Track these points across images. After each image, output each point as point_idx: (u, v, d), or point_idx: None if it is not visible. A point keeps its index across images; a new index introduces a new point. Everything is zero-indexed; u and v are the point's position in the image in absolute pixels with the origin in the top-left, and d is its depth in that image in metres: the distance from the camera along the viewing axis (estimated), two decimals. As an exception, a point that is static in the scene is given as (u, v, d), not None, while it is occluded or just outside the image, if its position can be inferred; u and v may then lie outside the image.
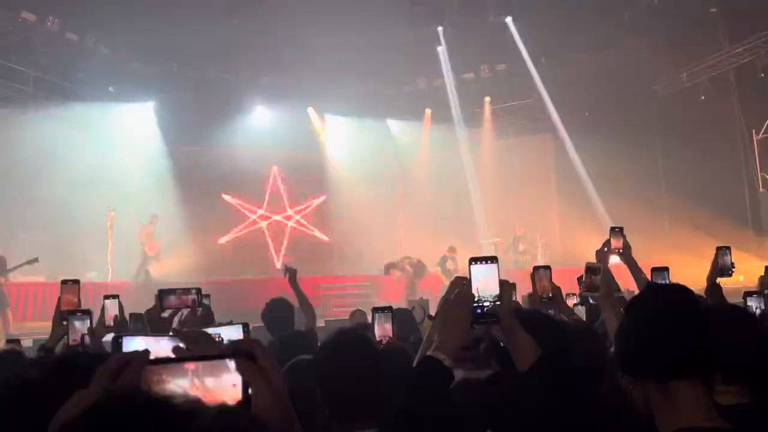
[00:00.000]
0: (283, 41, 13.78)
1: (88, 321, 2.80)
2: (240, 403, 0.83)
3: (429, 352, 1.56)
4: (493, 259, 1.63)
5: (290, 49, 13.96)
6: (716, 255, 3.35)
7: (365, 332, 2.46)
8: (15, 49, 12.17)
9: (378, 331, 2.69)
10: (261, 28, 12.93)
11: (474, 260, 1.63)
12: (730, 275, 3.30)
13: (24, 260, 10.29)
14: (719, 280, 3.28)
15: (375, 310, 2.79)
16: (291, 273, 4.43)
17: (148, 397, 0.67)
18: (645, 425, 1.36)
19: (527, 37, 14.32)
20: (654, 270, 3.25)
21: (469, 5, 12.90)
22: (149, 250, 13.16)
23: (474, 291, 1.59)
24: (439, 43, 15.44)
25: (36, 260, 10.50)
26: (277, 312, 4.24)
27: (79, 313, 2.81)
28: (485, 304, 1.58)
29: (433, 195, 16.59)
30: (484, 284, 1.59)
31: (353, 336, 2.11)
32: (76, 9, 12.52)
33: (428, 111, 16.94)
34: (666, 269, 3.27)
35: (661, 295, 1.48)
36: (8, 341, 3.95)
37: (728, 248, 3.36)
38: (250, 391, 0.84)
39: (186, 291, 3.07)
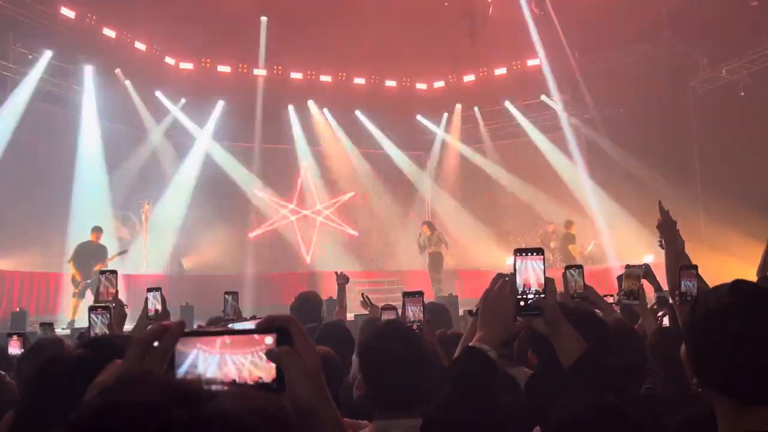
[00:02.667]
0: (310, 38, 13.82)
1: (108, 315, 2.80)
2: (274, 381, 0.81)
3: (472, 343, 1.53)
4: (539, 251, 1.60)
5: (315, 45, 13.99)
6: (766, 250, 3.25)
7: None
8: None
9: (409, 315, 2.72)
10: (293, 23, 12.98)
11: (519, 252, 1.60)
12: None
13: (116, 252, 11.04)
14: None
15: (405, 294, 2.82)
16: (344, 280, 4.95)
17: (163, 380, 0.65)
18: (697, 425, 1.28)
19: (564, 32, 14.09)
20: (683, 268, 3.03)
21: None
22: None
23: (518, 283, 1.56)
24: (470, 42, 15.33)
25: (125, 252, 11.52)
26: (307, 304, 4.29)
27: (99, 309, 2.81)
28: (529, 296, 1.55)
29: (463, 191, 16.52)
30: (529, 276, 1.56)
31: (399, 327, 2.13)
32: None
33: (458, 106, 16.84)
34: (695, 267, 2.99)
35: (757, 303, 1.19)
36: (41, 324, 4.05)
37: None
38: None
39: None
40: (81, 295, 10.05)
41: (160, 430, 0.53)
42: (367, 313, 4.74)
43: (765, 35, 12.50)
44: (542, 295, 1.55)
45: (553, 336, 1.56)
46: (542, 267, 1.57)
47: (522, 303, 1.54)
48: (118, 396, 0.56)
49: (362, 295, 4.78)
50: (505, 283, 1.57)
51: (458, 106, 16.81)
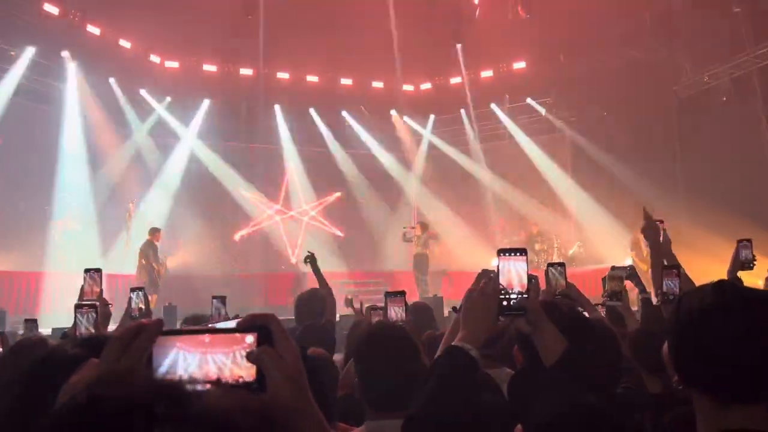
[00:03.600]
0: (297, 39, 13.79)
1: (94, 314, 2.74)
2: (255, 381, 0.79)
3: (454, 342, 1.54)
4: (522, 252, 1.62)
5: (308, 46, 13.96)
6: (737, 248, 3.31)
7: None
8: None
9: (391, 315, 2.73)
10: (280, 23, 12.94)
11: (502, 252, 1.61)
12: (752, 268, 3.26)
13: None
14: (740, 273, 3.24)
15: (387, 294, 2.82)
16: (312, 260, 4.58)
17: (146, 378, 0.65)
18: (678, 425, 1.30)
19: (549, 35, 14.19)
20: (665, 268, 3.08)
21: (487, 2, 12.83)
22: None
23: (501, 283, 1.57)
24: (457, 41, 15.38)
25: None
26: (310, 304, 4.22)
27: (85, 308, 2.74)
28: (512, 296, 1.56)
29: (448, 193, 16.57)
30: (512, 277, 1.58)
31: (391, 327, 2.13)
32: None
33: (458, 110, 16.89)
34: (677, 266, 3.06)
35: (739, 304, 1.20)
36: (26, 321, 3.96)
37: (749, 241, 3.32)
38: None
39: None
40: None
41: (145, 427, 0.53)
42: (352, 313, 4.67)
43: (746, 42, 12.69)
44: (525, 296, 1.56)
45: (535, 335, 1.58)
46: (525, 267, 1.59)
47: (505, 303, 1.56)
48: (103, 391, 0.56)
49: (350, 299, 4.73)
50: (488, 282, 1.59)
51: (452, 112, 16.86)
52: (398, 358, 1.94)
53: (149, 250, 11.31)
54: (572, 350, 1.51)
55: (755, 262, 3.27)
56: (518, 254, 1.60)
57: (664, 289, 2.93)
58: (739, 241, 3.32)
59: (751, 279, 3.32)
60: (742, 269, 3.26)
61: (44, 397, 1.15)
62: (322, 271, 4.76)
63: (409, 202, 17.05)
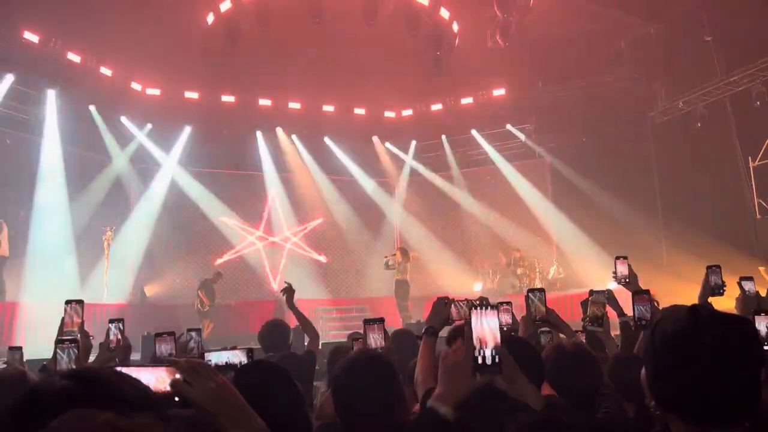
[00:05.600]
0: (282, 66, 13.88)
1: (75, 349, 2.69)
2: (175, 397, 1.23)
3: (430, 402, 1.55)
4: (492, 307, 1.63)
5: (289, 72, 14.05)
6: (707, 274, 3.35)
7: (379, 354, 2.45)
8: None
9: (370, 342, 2.71)
10: (262, 51, 13.01)
11: (475, 306, 1.62)
12: (722, 294, 3.30)
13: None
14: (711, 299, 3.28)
15: (366, 321, 2.80)
16: (288, 293, 4.38)
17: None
18: None
19: (528, 63, 14.45)
20: (635, 293, 3.09)
21: (467, 31, 13.05)
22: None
23: (475, 339, 1.58)
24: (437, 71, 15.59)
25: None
26: (274, 334, 4.22)
27: (66, 343, 2.71)
28: (486, 353, 1.56)
29: (430, 218, 16.63)
30: (485, 332, 1.58)
31: (374, 358, 2.11)
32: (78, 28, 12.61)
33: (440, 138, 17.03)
34: (646, 292, 3.09)
35: (714, 328, 1.20)
36: (10, 348, 3.84)
37: (718, 267, 3.36)
38: None
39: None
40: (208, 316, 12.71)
41: None
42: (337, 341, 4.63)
43: (719, 69, 13.05)
44: (497, 354, 1.57)
45: (511, 391, 1.59)
46: (496, 322, 1.60)
47: (480, 360, 1.56)
48: None
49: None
50: (461, 343, 1.60)
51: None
52: (377, 386, 1.92)
53: (205, 288, 13.05)
54: (553, 400, 1.53)
55: (725, 288, 3.31)
56: (488, 309, 1.61)
57: (636, 314, 2.97)
58: (709, 267, 3.36)
59: (723, 302, 3.36)
60: (713, 295, 3.29)
61: None
62: (305, 298, 4.74)
63: (391, 228, 17.06)
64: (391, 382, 1.99)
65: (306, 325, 4.30)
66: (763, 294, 3.41)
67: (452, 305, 2.71)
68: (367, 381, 1.95)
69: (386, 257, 13.31)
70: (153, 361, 2.95)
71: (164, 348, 2.90)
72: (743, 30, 12.02)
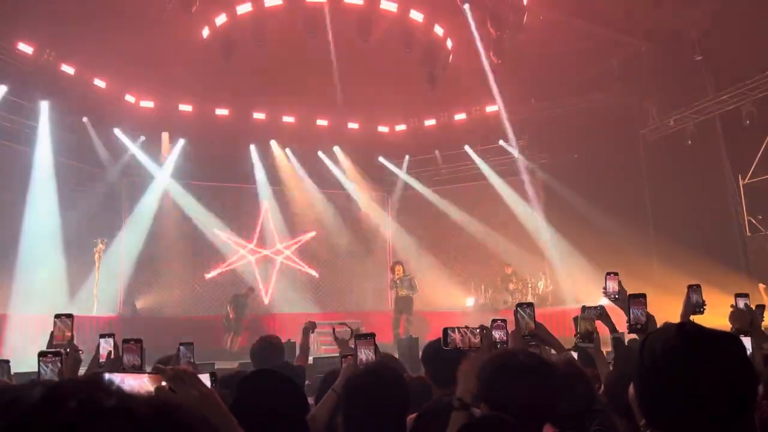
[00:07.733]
0: (276, 80, 13.94)
1: (59, 362, 2.68)
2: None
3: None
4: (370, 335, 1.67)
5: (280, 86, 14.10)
6: (688, 293, 3.36)
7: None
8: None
9: (361, 358, 2.70)
10: (257, 65, 13.07)
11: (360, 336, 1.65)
12: (702, 312, 3.31)
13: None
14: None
15: (357, 337, 2.79)
16: (310, 327, 5.08)
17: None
18: None
19: (520, 80, 14.57)
20: (631, 296, 3.08)
21: (460, 48, 13.16)
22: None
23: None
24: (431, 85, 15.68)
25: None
26: (269, 349, 4.24)
27: (50, 356, 2.70)
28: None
29: (423, 232, 16.63)
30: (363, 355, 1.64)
31: (384, 372, 2.11)
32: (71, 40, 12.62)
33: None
34: (643, 295, 3.06)
35: (702, 347, 1.20)
36: None
37: (698, 286, 3.38)
38: None
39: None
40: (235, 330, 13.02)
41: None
42: (338, 350, 4.63)
43: (708, 88, 13.21)
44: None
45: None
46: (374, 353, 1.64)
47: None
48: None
49: (333, 331, 4.68)
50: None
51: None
52: (386, 406, 1.93)
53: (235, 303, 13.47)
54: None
55: (705, 307, 3.32)
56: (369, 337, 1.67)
57: (632, 319, 2.97)
58: (690, 286, 3.37)
59: (716, 320, 3.38)
60: (694, 313, 3.30)
61: None
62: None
63: (384, 242, 17.05)
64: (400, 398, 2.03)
65: (304, 352, 4.82)
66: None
67: (451, 332, 2.62)
68: (374, 400, 2.01)
69: (392, 279, 13.01)
70: (108, 367, 2.88)
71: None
72: (733, 50, 12.21)
